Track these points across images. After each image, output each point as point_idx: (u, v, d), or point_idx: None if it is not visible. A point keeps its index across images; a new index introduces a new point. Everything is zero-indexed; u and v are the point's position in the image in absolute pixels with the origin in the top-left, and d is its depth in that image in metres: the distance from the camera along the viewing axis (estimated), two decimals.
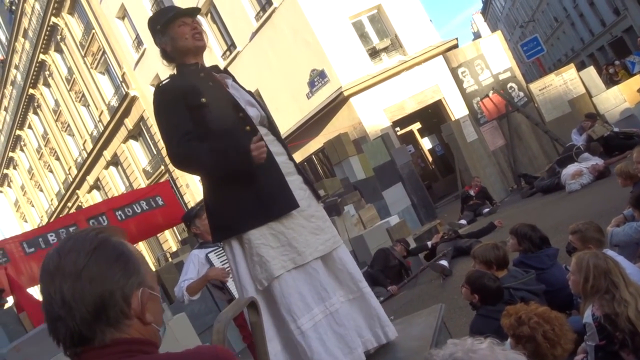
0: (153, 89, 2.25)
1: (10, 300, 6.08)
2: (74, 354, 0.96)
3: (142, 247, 19.87)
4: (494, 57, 10.48)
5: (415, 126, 15.11)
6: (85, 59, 22.10)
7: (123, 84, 20.41)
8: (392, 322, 2.28)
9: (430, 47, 13.68)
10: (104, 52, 20.93)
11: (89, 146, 23.97)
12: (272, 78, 14.94)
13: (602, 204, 5.31)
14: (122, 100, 20.33)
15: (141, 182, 21.26)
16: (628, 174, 4.15)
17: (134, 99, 19.84)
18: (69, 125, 25.57)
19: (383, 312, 2.24)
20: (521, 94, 10.49)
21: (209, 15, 16.39)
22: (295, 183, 2.17)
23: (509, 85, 10.44)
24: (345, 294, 2.17)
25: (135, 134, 21.42)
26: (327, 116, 13.86)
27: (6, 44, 28.45)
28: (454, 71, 10.20)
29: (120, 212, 7.52)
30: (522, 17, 42.90)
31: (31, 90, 26.64)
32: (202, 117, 2.06)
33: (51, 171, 29.54)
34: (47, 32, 23.17)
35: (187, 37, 2.13)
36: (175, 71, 2.20)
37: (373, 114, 13.35)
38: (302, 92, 14.30)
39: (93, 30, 20.78)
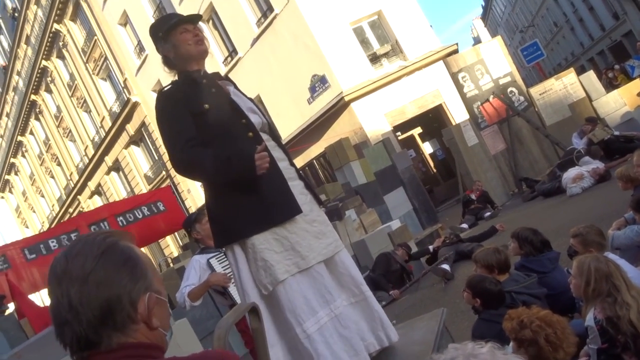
0: (155, 94, 2.27)
1: (11, 307, 6.08)
2: (80, 358, 0.96)
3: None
4: (494, 62, 10.50)
5: (416, 131, 15.14)
6: (87, 65, 22.19)
7: (125, 89, 20.48)
8: (394, 326, 2.29)
9: (431, 52, 13.73)
10: (106, 58, 21.02)
11: (91, 152, 24.02)
12: (274, 83, 14.98)
13: (603, 208, 5.31)
14: (124, 106, 20.39)
15: (142, 188, 21.28)
16: (629, 177, 4.15)
17: (135, 105, 19.90)
18: (70, 131, 25.63)
19: (385, 315, 2.24)
20: (521, 98, 10.51)
21: (211, 21, 16.46)
22: (297, 188, 2.18)
23: (509, 90, 10.46)
24: (347, 298, 2.18)
25: (137, 139, 21.47)
26: (328, 121, 13.89)
27: (8, 50, 28.57)
28: (454, 76, 10.22)
29: (121, 218, 7.53)
30: (521, 22, 43.01)
31: (33, 96, 26.74)
32: (205, 124, 2.07)
33: (52, 177, 29.59)
34: (50, 39, 23.28)
35: (190, 44, 2.14)
36: (177, 78, 2.21)
37: (374, 118, 13.38)
38: (303, 97, 14.34)
39: (95, 37, 20.88)
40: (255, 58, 15.16)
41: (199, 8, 15.94)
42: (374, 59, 13.97)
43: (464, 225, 8.60)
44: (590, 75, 11.14)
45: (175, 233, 17.16)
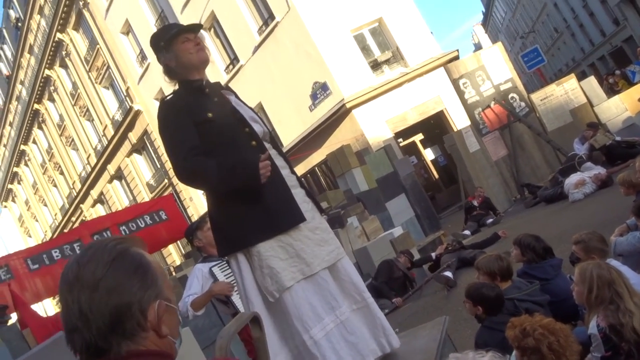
0: (157, 103, 2.28)
1: (13, 317, 6.07)
2: None
3: None
4: (495, 68, 10.53)
5: (418, 137, 15.15)
6: (89, 74, 22.32)
7: (127, 98, 20.58)
8: (397, 334, 2.29)
9: (432, 59, 13.77)
10: (109, 67, 21.14)
11: (93, 160, 24.09)
12: (275, 91, 15.03)
13: (605, 214, 5.30)
14: (126, 114, 20.47)
15: (145, 196, 21.31)
16: (631, 183, 4.15)
17: (137, 113, 19.98)
18: (73, 140, 25.73)
19: (386, 321, 2.25)
20: (522, 104, 10.52)
21: (212, 30, 16.56)
22: (299, 196, 2.19)
23: (510, 96, 10.48)
24: (349, 304, 2.19)
25: (139, 147, 21.54)
26: (330, 128, 13.91)
27: (12, 59, 28.77)
28: (455, 82, 10.25)
29: (124, 227, 7.54)
30: (522, 28, 43.14)
31: (36, 106, 26.88)
32: (208, 132, 2.08)
33: (55, 186, 29.65)
34: (52, 48, 23.44)
35: (192, 52, 2.16)
36: (178, 87, 2.23)
37: (375, 125, 13.40)
38: (305, 104, 14.38)
39: (98, 46, 21.01)
40: (257, 66, 15.22)
41: (201, 16, 16.04)
42: (375, 65, 14.01)
43: (467, 232, 8.58)
44: (591, 81, 11.15)
45: (178, 241, 17.16)
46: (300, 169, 14.16)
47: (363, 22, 14.04)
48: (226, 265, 3.25)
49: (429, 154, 15.54)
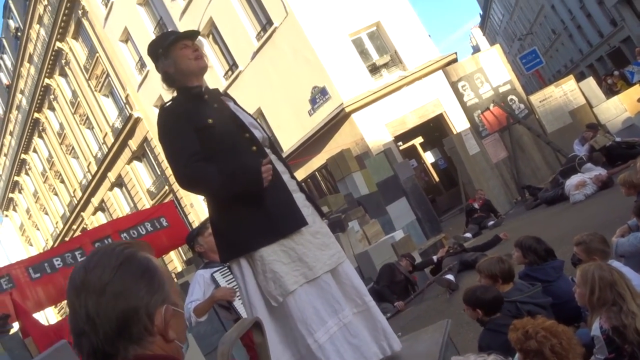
0: (156, 110, 2.29)
1: (15, 326, 6.06)
2: None
3: None
4: (494, 70, 10.54)
5: (418, 140, 15.16)
6: (89, 82, 22.38)
7: (127, 105, 20.62)
8: (399, 338, 2.29)
9: (430, 62, 13.80)
10: (108, 75, 21.20)
11: (94, 168, 24.12)
12: (274, 96, 15.06)
13: (607, 215, 5.29)
14: (126, 121, 20.51)
15: (145, 203, 21.31)
16: (631, 184, 4.15)
17: (137, 121, 20.02)
18: (73, 148, 25.77)
19: (388, 324, 2.25)
20: (522, 106, 10.53)
21: (211, 36, 16.61)
22: (300, 200, 2.20)
23: (509, 98, 10.49)
24: (350, 308, 2.19)
25: (139, 155, 21.56)
26: (329, 133, 13.93)
27: (12, 69, 28.86)
28: (454, 85, 10.26)
29: (125, 234, 7.54)
30: (520, 30, 43.25)
31: (36, 114, 26.94)
32: (209, 138, 2.09)
33: (56, 194, 29.67)
34: (52, 57, 23.52)
35: (190, 58, 2.17)
36: (177, 94, 2.23)
37: (375, 129, 13.41)
38: (304, 109, 14.40)
39: (97, 54, 21.08)
40: (256, 71, 15.26)
41: (199, 23, 16.09)
42: (374, 69, 14.04)
43: (468, 235, 8.57)
44: (590, 82, 11.16)
45: (179, 248, 17.15)
46: (301, 173, 14.17)
47: (361, 26, 14.09)
48: (228, 271, 3.25)
49: (429, 157, 15.55)
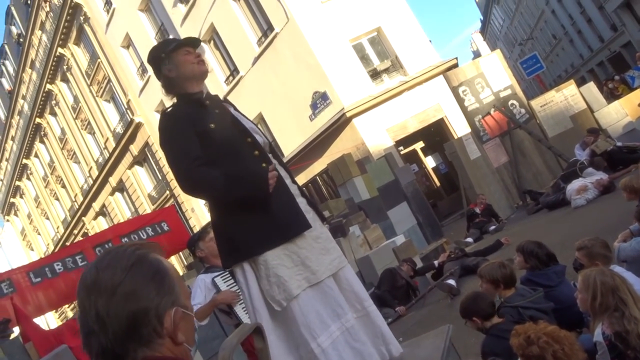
0: (158, 115, 2.29)
1: (16, 331, 6.05)
2: None
3: None
4: (494, 75, 10.55)
5: (419, 145, 15.16)
6: (90, 87, 22.45)
7: (128, 111, 20.67)
8: (400, 343, 2.28)
9: (431, 67, 13.82)
10: (109, 81, 21.27)
11: (95, 173, 24.15)
12: (275, 101, 15.09)
13: (608, 219, 5.28)
14: (127, 127, 20.56)
15: (147, 208, 21.32)
16: (633, 188, 4.14)
17: (139, 126, 20.07)
18: (74, 153, 25.82)
19: (388, 329, 2.25)
20: (522, 110, 10.53)
21: (212, 42, 16.67)
22: (301, 205, 2.21)
23: (510, 103, 10.49)
24: (351, 313, 2.19)
25: (141, 159, 21.59)
26: (330, 137, 13.94)
27: (14, 75, 28.97)
28: (454, 90, 10.26)
29: (126, 239, 7.53)
30: (520, 35, 43.34)
31: (38, 120, 27.01)
32: (211, 143, 2.09)
33: (57, 199, 29.70)
34: (54, 63, 23.61)
35: (193, 63, 2.19)
36: (178, 100, 2.24)
37: (376, 134, 13.42)
38: (305, 114, 14.42)
39: (98, 60, 21.16)
40: (257, 77, 15.30)
41: (201, 28, 16.16)
42: (375, 74, 14.07)
43: (469, 240, 8.55)
44: (591, 87, 11.16)
45: (180, 253, 17.14)
46: (302, 178, 14.17)
47: (362, 32, 14.12)
48: (229, 275, 3.25)
49: (429, 162, 15.54)
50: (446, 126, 13.96)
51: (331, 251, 2.20)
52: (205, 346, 5.71)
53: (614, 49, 27.96)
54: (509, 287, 3.15)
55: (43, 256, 25.31)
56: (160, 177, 20.70)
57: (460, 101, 10.28)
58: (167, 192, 20.04)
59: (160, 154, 18.74)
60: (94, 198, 24.92)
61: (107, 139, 22.55)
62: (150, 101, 18.96)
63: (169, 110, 2.18)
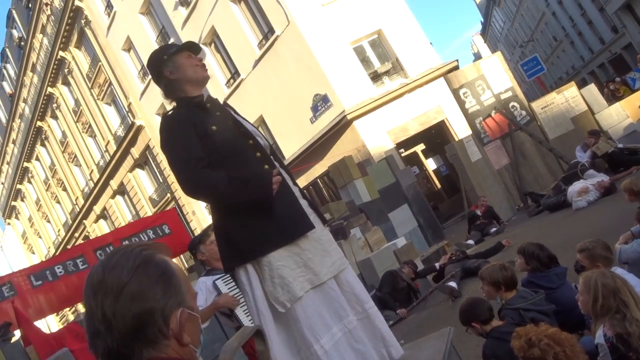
0: (159, 118, 2.30)
1: (17, 334, 6.05)
2: None
3: None
4: (495, 77, 10.56)
5: (419, 147, 15.16)
6: (91, 90, 22.50)
7: (129, 114, 20.71)
8: (401, 346, 2.28)
9: (431, 70, 13.83)
10: (110, 84, 21.31)
11: (96, 176, 24.17)
12: (276, 104, 15.11)
13: (610, 221, 5.27)
14: (128, 130, 20.59)
15: (148, 211, 21.33)
16: (634, 190, 4.13)
17: (140, 129, 20.09)
18: (75, 156, 25.85)
19: (388, 331, 2.25)
20: (523, 112, 10.53)
21: (213, 45, 16.70)
22: (303, 207, 2.21)
23: (510, 105, 10.49)
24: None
25: (142, 162, 21.61)
26: (331, 140, 13.95)
27: (15, 78, 29.04)
28: (455, 92, 10.27)
29: (127, 242, 7.53)
30: (521, 37, 43.37)
31: (39, 123, 27.06)
32: (213, 145, 2.09)
33: (58, 202, 29.73)
34: (55, 66, 23.67)
35: (196, 67, 2.20)
36: (179, 104, 2.24)
37: (377, 136, 13.43)
38: (306, 116, 14.43)
39: (100, 63, 21.21)
40: (258, 79, 15.32)
41: (201, 31, 16.19)
42: (375, 77, 14.08)
43: (470, 242, 8.53)
44: (592, 89, 11.16)
45: (181, 255, 17.13)
46: (302, 181, 14.17)
47: (362, 34, 14.14)
48: (230, 278, 3.25)
49: (430, 164, 15.54)
50: (447, 128, 13.96)
51: (332, 253, 2.20)
52: (205, 349, 5.70)
53: (614, 50, 27.98)
54: (510, 289, 3.14)
55: (44, 259, 25.36)
56: (161, 180, 20.71)
57: (461, 103, 10.29)
58: (168, 194, 20.05)
59: (161, 157, 18.76)
60: (95, 201, 24.94)
61: (108, 142, 22.58)
62: (151, 104, 18.98)
63: (170, 112, 2.19)
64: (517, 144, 10.23)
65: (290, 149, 14.95)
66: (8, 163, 33.19)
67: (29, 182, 32.11)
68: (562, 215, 7.41)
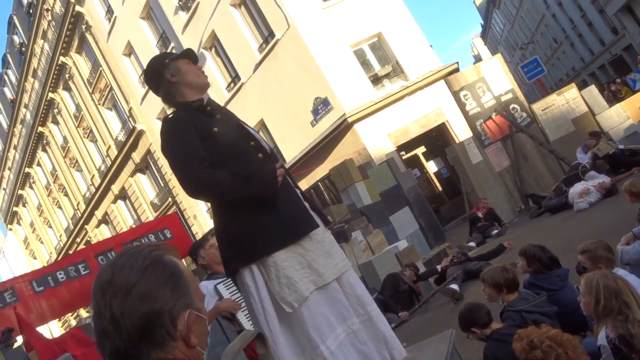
0: (159, 122, 2.31)
1: (19, 340, 6.05)
2: None
3: None
4: (495, 79, 10.57)
5: (420, 150, 15.17)
6: (92, 95, 22.55)
7: (130, 118, 20.74)
8: (404, 349, 2.28)
9: (432, 72, 13.84)
10: (111, 89, 21.36)
11: (97, 181, 24.20)
12: (277, 107, 15.13)
13: (611, 222, 5.26)
14: (129, 134, 20.62)
15: (149, 215, 21.34)
16: (634, 191, 4.13)
17: (141, 133, 20.13)
18: (77, 161, 25.89)
19: (391, 333, 2.25)
20: (524, 114, 10.54)
21: (213, 49, 16.74)
22: None
23: (511, 107, 10.50)
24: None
25: (143, 167, 21.64)
26: (332, 143, 13.96)
27: (16, 84, 29.12)
28: (456, 94, 10.28)
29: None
30: (521, 39, 43.42)
31: (40, 128, 27.11)
32: (215, 147, 2.10)
33: (60, 207, 29.75)
34: (56, 71, 23.73)
35: (197, 72, 2.23)
36: (179, 108, 2.25)
37: (377, 139, 13.43)
38: (307, 120, 14.45)
39: (100, 68, 21.26)
40: (258, 83, 15.35)
41: (202, 36, 16.23)
42: (376, 80, 14.10)
43: (472, 244, 8.53)
44: (592, 90, 11.16)
45: (183, 260, 17.10)
46: (304, 184, 14.17)
47: (362, 38, 14.17)
48: (231, 282, 3.24)
49: (431, 166, 15.54)
50: (448, 131, 13.97)
51: (334, 255, 2.21)
52: (207, 353, 5.69)
53: (615, 52, 27.99)
54: (512, 291, 3.14)
55: (46, 264, 25.35)
56: (162, 185, 20.73)
57: (461, 105, 10.30)
58: (170, 199, 20.06)
59: (162, 162, 18.78)
60: (96, 206, 24.96)
61: (109, 146, 22.62)
62: (152, 109, 19.02)
63: (170, 115, 2.20)
64: (517, 146, 10.23)
65: (291, 152, 14.95)
66: (9, 169, 33.25)
67: (31, 187, 32.16)
68: (563, 216, 7.41)
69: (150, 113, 19.41)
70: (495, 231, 8.69)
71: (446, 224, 12.82)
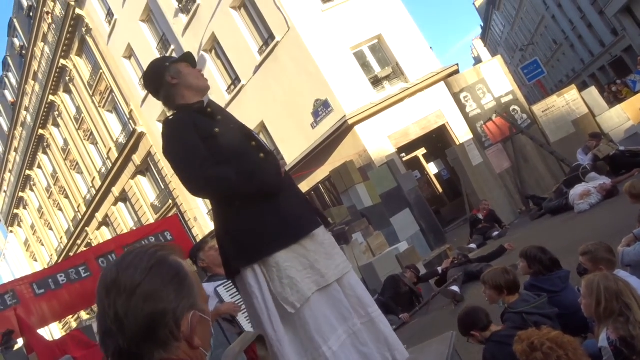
0: (160, 125, 2.31)
1: (20, 342, 6.05)
2: None
3: None
4: (495, 81, 10.58)
5: (421, 151, 15.17)
6: (93, 98, 22.58)
7: (130, 121, 20.77)
8: (405, 350, 2.28)
9: (432, 74, 13.85)
10: (112, 91, 21.39)
11: (98, 183, 24.22)
12: (277, 110, 15.14)
13: (612, 224, 5.26)
14: (130, 137, 20.64)
15: (150, 217, 21.34)
16: (634, 193, 4.13)
17: (141, 135, 20.14)
18: (77, 164, 25.91)
19: (393, 335, 2.25)
20: (524, 116, 10.54)
21: (213, 51, 16.76)
22: None
23: (511, 108, 10.50)
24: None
25: (143, 169, 21.65)
26: (332, 145, 13.96)
27: (17, 86, 29.16)
28: (456, 96, 10.29)
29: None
30: (521, 40, 43.45)
31: (41, 131, 27.14)
32: (216, 147, 2.11)
33: (60, 209, 29.77)
34: (56, 74, 23.77)
35: (197, 75, 2.24)
36: (179, 110, 2.26)
37: (378, 141, 13.43)
38: (307, 122, 14.46)
39: (101, 70, 21.29)
40: (258, 85, 15.36)
41: (202, 38, 16.26)
42: (376, 82, 14.11)
43: (472, 246, 8.52)
44: (593, 91, 11.17)
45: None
46: (304, 186, 14.17)
47: (362, 39, 14.18)
48: (231, 284, 3.24)
49: (432, 168, 15.54)
50: (448, 132, 13.97)
51: (335, 256, 2.22)
52: (210, 355, 5.69)
53: (615, 53, 27.99)
54: (513, 293, 3.13)
55: (47, 267, 25.36)
56: (163, 187, 20.74)
57: (461, 107, 10.31)
58: (170, 201, 20.06)
59: (163, 164, 18.79)
60: (97, 208, 24.97)
61: (110, 149, 22.63)
62: (152, 111, 19.04)
63: (171, 117, 2.20)
64: (518, 148, 10.23)
65: (291, 154, 14.96)
66: (10, 171, 33.27)
67: (31, 190, 32.17)
68: (564, 218, 7.40)
69: (150, 115, 19.43)
70: (496, 233, 8.68)
71: (447, 226, 12.81)
